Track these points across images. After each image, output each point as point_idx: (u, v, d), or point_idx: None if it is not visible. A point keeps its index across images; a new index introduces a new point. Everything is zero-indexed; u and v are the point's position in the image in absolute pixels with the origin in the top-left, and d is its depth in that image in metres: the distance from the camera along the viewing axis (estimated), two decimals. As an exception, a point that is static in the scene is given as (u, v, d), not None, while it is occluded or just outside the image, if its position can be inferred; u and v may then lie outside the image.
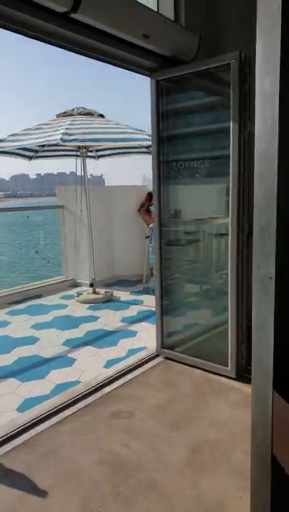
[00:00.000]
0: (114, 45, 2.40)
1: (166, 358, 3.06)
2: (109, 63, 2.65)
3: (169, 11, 2.84)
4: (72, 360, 3.16)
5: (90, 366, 3.04)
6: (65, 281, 5.47)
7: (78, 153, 4.72)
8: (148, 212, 5.51)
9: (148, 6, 2.53)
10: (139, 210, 5.70)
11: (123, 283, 5.55)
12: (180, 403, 2.47)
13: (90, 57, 2.50)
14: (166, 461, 1.96)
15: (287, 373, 0.63)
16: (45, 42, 2.19)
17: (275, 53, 0.55)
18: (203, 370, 2.84)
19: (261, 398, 0.66)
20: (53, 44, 2.25)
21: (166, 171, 2.98)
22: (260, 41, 0.58)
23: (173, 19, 2.82)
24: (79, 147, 4.64)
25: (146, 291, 5.08)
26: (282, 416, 0.60)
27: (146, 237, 5.48)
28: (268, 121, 0.58)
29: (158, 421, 2.29)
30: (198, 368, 2.87)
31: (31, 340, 3.59)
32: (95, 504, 1.70)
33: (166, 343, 3.10)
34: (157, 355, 3.10)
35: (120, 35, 2.32)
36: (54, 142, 3.92)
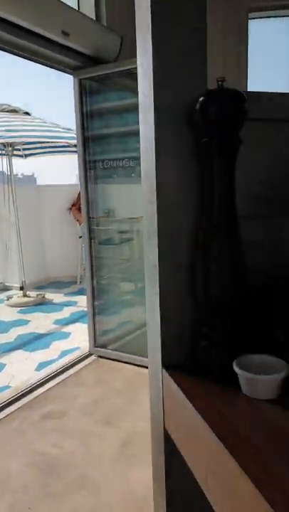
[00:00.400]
0: (33, 41, 2.36)
1: (100, 356, 3.07)
2: (30, 60, 2.60)
3: (89, 11, 2.85)
4: (2, 366, 3.06)
5: (21, 370, 2.97)
6: (-5, 285, 5.25)
7: (4, 152, 4.56)
8: (80, 211, 5.47)
9: (68, 4, 2.52)
10: (70, 209, 5.63)
11: (56, 285, 5.45)
12: (112, 399, 2.50)
13: (10, 53, 2.43)
14: (98, 456, 1.98)
15: (172, 353, 0.69)
16: None
17: (148, 63, 0.60)
18: (136, 365, 2.90)
19: (154, 377, 0.71)
20: None
21: (94, 170, 2.99)
22: (139, 50, 0.63)
23: (94, 18, 2.83)
24: (4, 145, 4.48)
25: (81, 291, 5.04)
26: (169, 393, 0.65)
27: (80, 237, 5.43)
28: (149, 122, 0.63)
29: (90, 418, 2.30)
30: (131, 363, 2.92)
31: None
32: (24, 507, 1.67)
33: (99, 342, 3.12)
34: (90, 355, 3.10)
35: (38, 30, 2.29)
36: (-24, 140, 3.75)
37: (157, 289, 0.67)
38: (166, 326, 0.68)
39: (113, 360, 3.01)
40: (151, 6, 0.59)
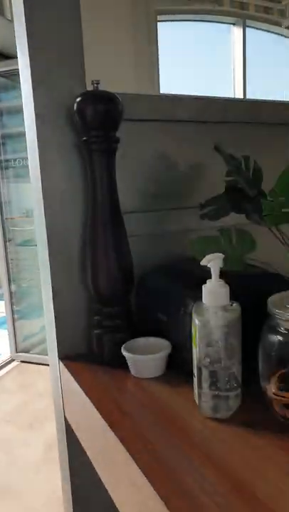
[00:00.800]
0: None
1: (22, 361, 2.99)
2: None
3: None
4: None
5: None
6: None
7: None
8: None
9: None
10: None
11: (-26, 291, 5.15)
12: (36, 403, 2.45)
13: None
14: (21, 462, 1.94)
15: (68, 345, 0.72)
16: None
17: (26, 65, 0.62)
18: (60, 366, 2.87)
19: (53, 369, 0.73)
20: None
21: (8, 169, 2.89)
22: (18, 51, 0.65)
23: (-3, 12, 2.74)
24: None
25: (0, 297, 4.82)
26: (66, 384, 0.68)
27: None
28: (31, 122, 0.65)
29: (13, 424, 2.23)
30: (55, 365, 2.88)
31: None
32: None
33: (21, 347, 3.03)
34: (12, 361, 3.01)
35: None
36: None
37: (50, 284, 0.69)
38: (60, 320, 0.71)
39: (37, 364, 2.95)
40: (24, 11, 0.60)
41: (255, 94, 4.79)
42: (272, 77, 4.86)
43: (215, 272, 0.52)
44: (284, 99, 4.47)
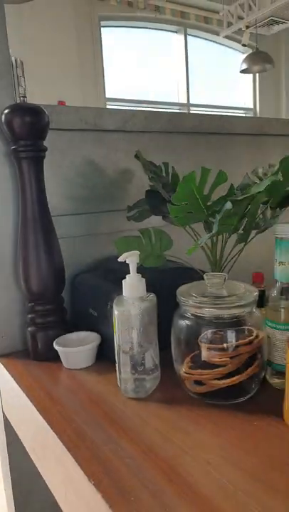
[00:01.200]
0: None
1: None
2: None
3: None
4: None
5: None
6: None
7: None
8: None
9: None
10: None
11: None
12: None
13: None
14: None
15: (4, 343, 0.76)
16: None
17: None
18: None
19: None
20: None
21: None
22: None
23: None
24: None
25: None
26: (3, 380, 0.72)
27: None
28: None
29: None
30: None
31: None
32: None
33: None
34: None
35: None
36: None
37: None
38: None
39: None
40: None
41: (198, 96, 5.01)
42: (212, 81, 5.11)
43: (133, 268, 0.59)
44: (221, 103, 4.65)
